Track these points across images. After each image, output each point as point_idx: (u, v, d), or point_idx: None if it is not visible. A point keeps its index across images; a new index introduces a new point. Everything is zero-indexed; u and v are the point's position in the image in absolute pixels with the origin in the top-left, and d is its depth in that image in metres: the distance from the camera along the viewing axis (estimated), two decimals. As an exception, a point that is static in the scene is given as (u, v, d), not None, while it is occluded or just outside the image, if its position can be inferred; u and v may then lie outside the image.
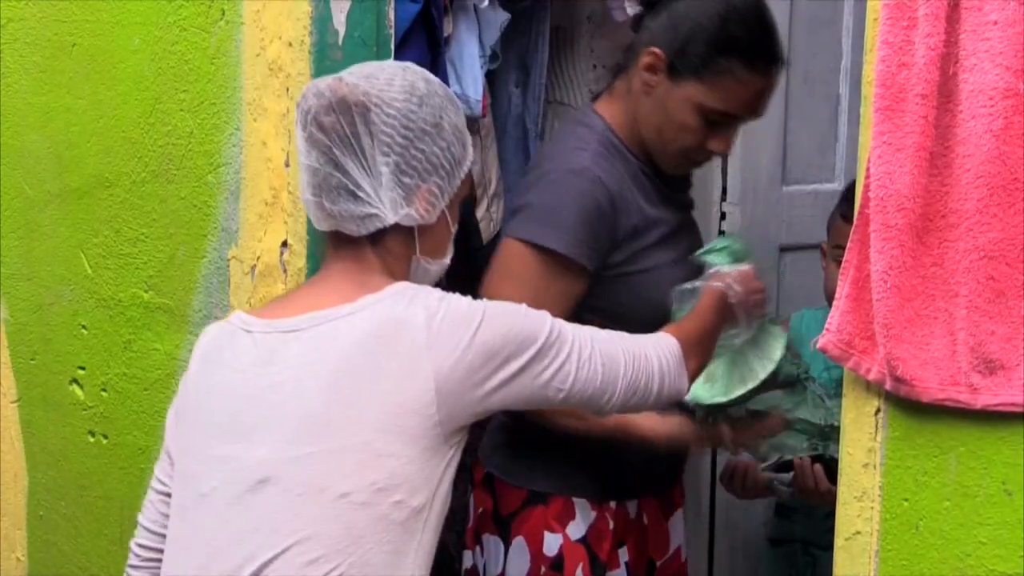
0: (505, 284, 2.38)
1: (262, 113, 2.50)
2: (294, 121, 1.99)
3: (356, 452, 1.83)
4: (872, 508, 1.93)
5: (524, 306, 1.96)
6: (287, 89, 2.46)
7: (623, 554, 2.50)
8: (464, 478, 2.48)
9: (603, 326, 2.11)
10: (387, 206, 1.93)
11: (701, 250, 2.47)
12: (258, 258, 2.53)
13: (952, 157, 1.82)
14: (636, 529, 2.54)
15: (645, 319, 2.32)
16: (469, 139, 2.03)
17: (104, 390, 2.84)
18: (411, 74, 1.98)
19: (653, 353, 2.07)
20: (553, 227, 2.35)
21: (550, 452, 2.48)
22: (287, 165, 2.47)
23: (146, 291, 2.74)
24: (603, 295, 2.41)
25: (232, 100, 2.55)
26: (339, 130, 1.91)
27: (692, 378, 2.18)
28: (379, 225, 1.94)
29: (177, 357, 2.70)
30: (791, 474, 2.65)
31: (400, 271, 1.99)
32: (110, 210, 2.78)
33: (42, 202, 2.91)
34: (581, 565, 2.45)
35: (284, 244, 2.50)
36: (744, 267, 2.38)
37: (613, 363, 2.01)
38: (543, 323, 1.95)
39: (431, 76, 2.01)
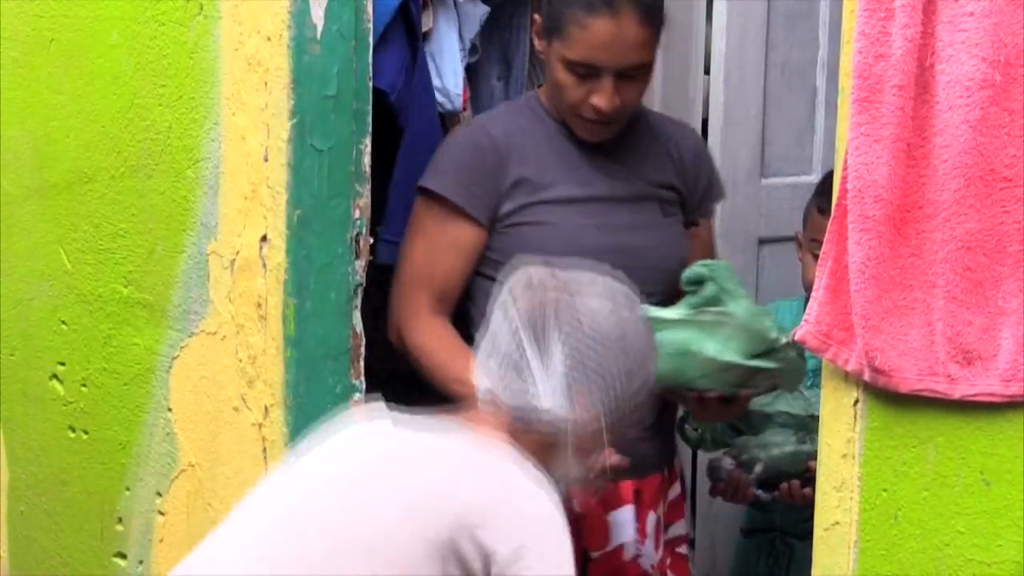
0: (409, 238, 2.51)
1: (241, 107, 2.50)
2: None
3: None
4: (851, 499, 1.94)
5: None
6: (265, 83, 2.45)
7: None
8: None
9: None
10: None
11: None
12: (237, 253, 2.53)
13: (929, 148, 1.83)
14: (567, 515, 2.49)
15: None
16: None
17: (84, 385, 2.83)
18: None
19: None
20: (434, 172, 2.49)
21: None
22: (266, 159, 2.46)
23: (125, 286, 2.73)
24: (496, 247, 2.46)
25: (211, 95, 2.55)
26: None
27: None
28: None
29: (157, 352, 2.69)
30: (776, 493, 2.64)
31: None
32: (89, 205, 2.77)
33: (21, 197, 2.90)
34: None
35: (263, 238, 2.49)
36: None
37: None
38: None
39: None
